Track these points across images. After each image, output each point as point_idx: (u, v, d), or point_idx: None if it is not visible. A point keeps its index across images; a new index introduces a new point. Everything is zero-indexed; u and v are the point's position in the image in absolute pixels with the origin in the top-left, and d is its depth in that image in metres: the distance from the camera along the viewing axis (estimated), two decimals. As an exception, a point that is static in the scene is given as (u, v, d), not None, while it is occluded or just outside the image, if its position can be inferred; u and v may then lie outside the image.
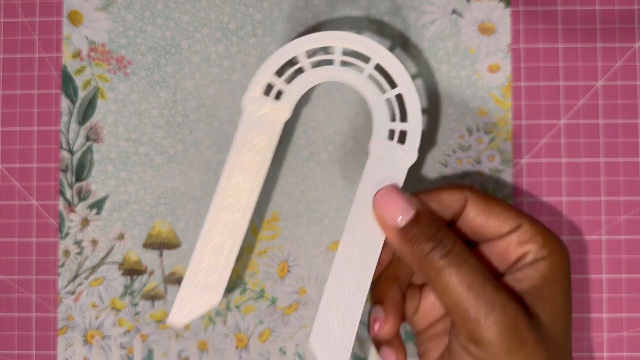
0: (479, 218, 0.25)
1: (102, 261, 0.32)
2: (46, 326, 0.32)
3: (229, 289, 0.32)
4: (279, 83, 0.26)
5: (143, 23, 0.32)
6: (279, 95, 0.26)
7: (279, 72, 0.26)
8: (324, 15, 0.32)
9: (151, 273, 0.32)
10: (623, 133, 0.32)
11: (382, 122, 0.25)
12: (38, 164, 0.32)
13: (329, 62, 0.26)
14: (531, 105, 0.32)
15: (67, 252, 0.32)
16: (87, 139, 0.32)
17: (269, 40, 0.32)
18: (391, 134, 0.25)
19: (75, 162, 0.32)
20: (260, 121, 0.25)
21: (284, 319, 0.32)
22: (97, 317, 0.32)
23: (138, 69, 0.32)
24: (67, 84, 0.32)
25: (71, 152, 0.32)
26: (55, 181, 0.32)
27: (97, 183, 0.32)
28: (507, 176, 0.32)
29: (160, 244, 0.32)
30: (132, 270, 0.32)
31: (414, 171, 0.31)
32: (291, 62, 0.26)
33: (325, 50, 0.31)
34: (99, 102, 0.32)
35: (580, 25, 0.32)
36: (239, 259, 0.32)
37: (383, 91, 0.26)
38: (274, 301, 0.32)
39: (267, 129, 0.25)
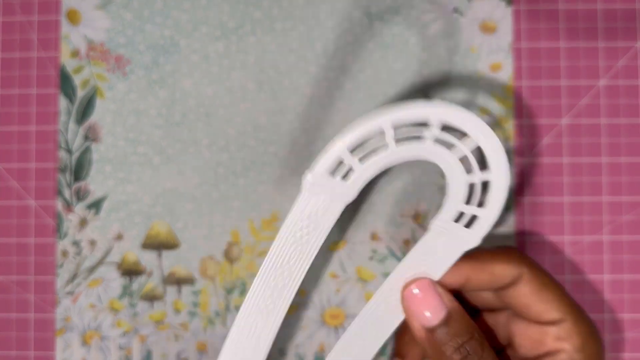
0: (525, 298, 0.23)
1: (101, 262, 0.32)
2: (44, 327, 0.32)
3: (229, 290, 0.32)
4: (351, 161, 0.22)
5: (142, 22, 0.32)
6: (346, 174, 0.22)
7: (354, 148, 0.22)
8: (323, 14, 0.32)
9: (150, 274, 0.32)
10: (625, 133, 0.32)
11: (455, 204, 0.22)
12: (36, 164, 0.32)
13: (417, 138, 0.22)
14: (533, 105, 0.32)
15: (65, 253, 0.32)
16: (86, 138, 0.32)
17: (269, 39, 0.32)
18: (460, 215, 0.23)
19: (73, 162, 0.32)
20: (321, 202, 0.22)
21: (284, 320, 0.32)
22: (95, 318, 0.32)
23: (137, 68, 0.32)
24: (65, 83, 0.32)
25: (70, 152, 0.32)
26: (53, 181, 0.32)
27: (95, 183, 0.32)
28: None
29: (159, 245, 0.32)
30: (130, 271, 0.32)
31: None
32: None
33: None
34: (98, 101, 0.32)
35: (582, 24, 0.32)
36: (239, 259, 0.32)
37: (468, 171, 0.22)
38: (273, 302, 0.32)
39: (325, 213, 0.22)
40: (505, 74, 0.32)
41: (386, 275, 0.32)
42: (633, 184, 0.31)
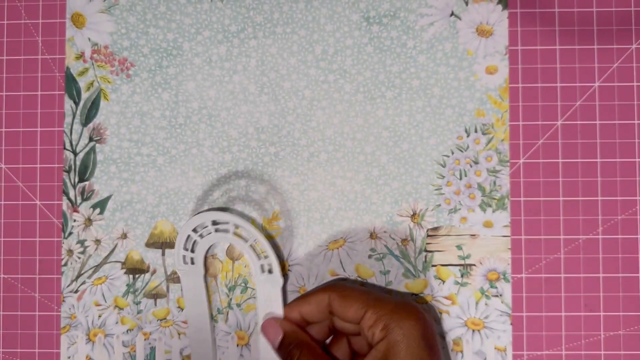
0: (339, 311, 0.29)
1: (105, 260, 0.33)
2: (49, 325, 0.32)
3: (231, 288, 0.32)
4: (195, 237, 0.31)
5: (145, 25, 0.33)
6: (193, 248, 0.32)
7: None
8: (323, 18, 0.32)
9: (153, 272, 0.32)
10: (620, 134, 0.32)
11: (254, 262, 0.31)
12: (41, 165, 0.33)
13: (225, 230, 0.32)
14: (529, 107, 0.32)
15: (70, 252, 0.33)
16: (90, 139, 0.33)
17: (270, 42, 0.33)
18: (262, 268, 0.31)
19: (78, 162, 0.33)
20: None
21: (285, 318, 0.32)
22: (99, 316, 0.32)
23: (140, 71, 0.33)
24: (70, 85, 0.33)
25: (74, 153, 0.33)
26: (58, 181, 0.33)
27: (100, 183, 0.33)
28: (505, 177, 0.32)
29: (162, 243, 0.32)
30: (134, 269, 0.33)
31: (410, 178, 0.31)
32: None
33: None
34: (102, 103, 0.33)
35: (578, 27, 0.32)
36: (240, 257, 0.33)
37: (245, 240, 0.31)
38: (274, 300, 0.32)
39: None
40: (502, 76, 0.32)
41: (384, 273, 0.32)
42: (627, 183, 0.32)
